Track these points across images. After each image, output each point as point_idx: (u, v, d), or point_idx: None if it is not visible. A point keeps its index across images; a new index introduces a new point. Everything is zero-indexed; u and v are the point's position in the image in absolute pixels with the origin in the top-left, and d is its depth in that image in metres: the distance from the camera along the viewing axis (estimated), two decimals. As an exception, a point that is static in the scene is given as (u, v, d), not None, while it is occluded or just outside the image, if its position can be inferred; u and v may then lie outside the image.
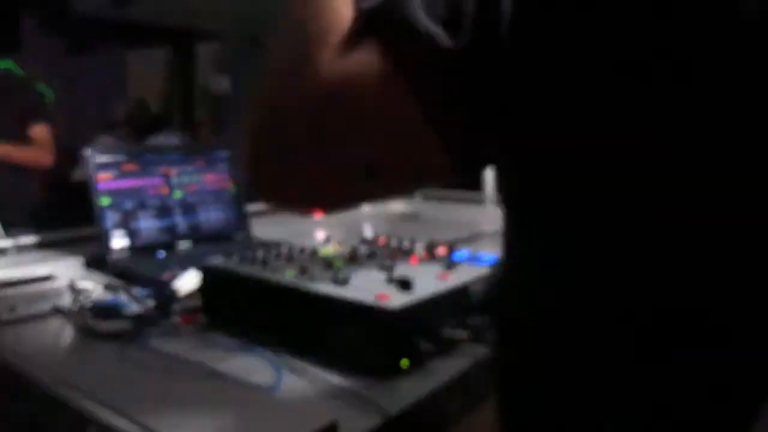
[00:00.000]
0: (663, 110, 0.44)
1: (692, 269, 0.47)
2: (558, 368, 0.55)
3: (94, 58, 5.29)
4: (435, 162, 0.51)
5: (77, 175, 5.02)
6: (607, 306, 0.50)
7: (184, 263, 1.28)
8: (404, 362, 0.85)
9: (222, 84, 6.60)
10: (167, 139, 4.37)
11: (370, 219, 1.79)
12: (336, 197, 0.59)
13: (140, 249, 1.39)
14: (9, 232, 2.24)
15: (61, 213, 2.34)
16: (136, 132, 4.87)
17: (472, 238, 1.67)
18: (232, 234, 1.56)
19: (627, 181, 0.47)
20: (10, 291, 1.18)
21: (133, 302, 1.07)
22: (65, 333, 1.00)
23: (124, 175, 1.40)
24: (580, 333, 0.53)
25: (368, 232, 1.53)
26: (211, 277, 1.05)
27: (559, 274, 0.53)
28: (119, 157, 1.40)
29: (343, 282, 0.92)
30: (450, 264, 1.05)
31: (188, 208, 1.50)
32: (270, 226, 1.71)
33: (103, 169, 1.37)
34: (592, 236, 0.50)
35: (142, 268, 1.28)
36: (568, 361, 0.54)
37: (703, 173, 0.45)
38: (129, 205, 1.40)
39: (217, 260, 1.06)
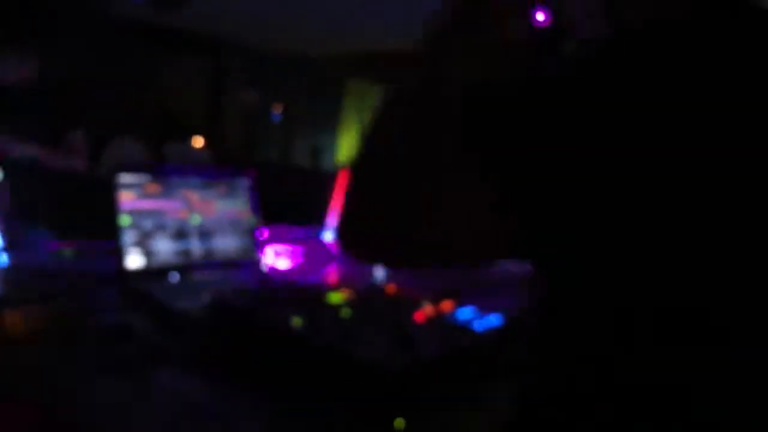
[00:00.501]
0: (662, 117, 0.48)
1: (692, 270, 0.49)
2: (562, 368, 0.57)
3: (127, 61, 5.37)
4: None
5: (100, 172, 5.08)
6: (609, 306, 0.52)
7: (196, 289, 1.30)
8: (398, 422, 0.87)
9: (251, 96, 6.68)
10: (191, 151, 4.43)
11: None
12: (408, 261, 0.65)
13: (155, 270, 1.41)
14: (31, 232, 2.28)
15: (83, 209, 2.37)
16: (158, 136, 4.93)
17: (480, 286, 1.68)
18: (244, 262, 1.58)
19: (628, 182, 0.49)
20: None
21: (144, 327, 1.10)
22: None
23: (146, 195, 1.43)
24: (581, 332, 0.55)
25: (379, 275, 1.55)
26: (218, 313, 1.07)
27: (561, 274, 0.55)
28: (143, 177, 1.43)
29: (347, 337, 0.94)
30: (455, 323, 1.07)
31: (205, 234, 1.53)
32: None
33: (127, 188, 1.40)
34: (594, 237, 0.52)
35: (155, 292, 1.30)
36: (571, 362, 0.56)
37: (703, 173, 0.48)
38: (148, 225, 1.43)
39: (226, 295, 1.09)
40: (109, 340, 1.04)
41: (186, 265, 1.47)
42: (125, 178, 1.41)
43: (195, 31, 5.86)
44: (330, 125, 6.87)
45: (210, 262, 1.52)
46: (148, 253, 1.42)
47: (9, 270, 1.38)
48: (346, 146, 6.89)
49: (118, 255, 1.37)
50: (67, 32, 4.35)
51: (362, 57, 6.02)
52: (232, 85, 6.60)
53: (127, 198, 1.40)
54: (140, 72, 5.40)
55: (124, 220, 1.39)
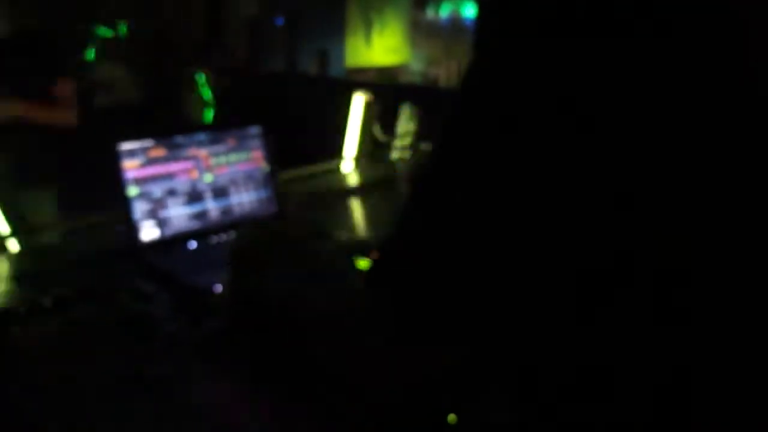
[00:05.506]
0: None
1: None
2: None
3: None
4: None
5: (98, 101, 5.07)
6: None
7: (216, 258, 1.23)
8: (452, 417, 0.81)
9: (250, 7, 6.43)
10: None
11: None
12: None
13: (170, 240, 1.33)
14: (31, 190, 2.19)
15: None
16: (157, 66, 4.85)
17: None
18: (266, 216, 1.49)
19: None
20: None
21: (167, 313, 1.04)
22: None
23: (152, 161, 1.33)
24: None
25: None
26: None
27: None
28: (147, 143, 1.33)
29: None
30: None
31: (219, 192, 1.44)
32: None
33: (130, 157, 1.31)
34: None
35: (174, 266, 1.23)
36: None
37: None
38: (158, 192, 1.34)
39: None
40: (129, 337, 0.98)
41: (204, 230, 1.39)
42: (127, 145, 1.30)
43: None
44: (336, 28, 6.61)
45: (228, 222, 1.43)
46: (161, 223, 1.33)
47: (21, 256, 1.31)
48: (353, 49, 6.66)
49: (131, 229, 1.29)
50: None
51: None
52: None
53: (131, 166, 1.31)
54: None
55: (132, 190, 1.30)
